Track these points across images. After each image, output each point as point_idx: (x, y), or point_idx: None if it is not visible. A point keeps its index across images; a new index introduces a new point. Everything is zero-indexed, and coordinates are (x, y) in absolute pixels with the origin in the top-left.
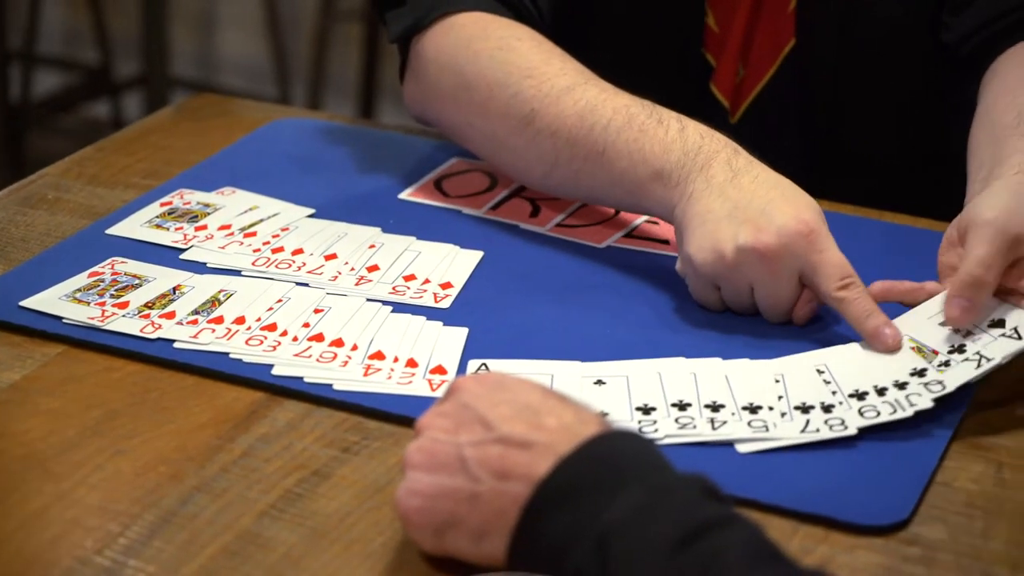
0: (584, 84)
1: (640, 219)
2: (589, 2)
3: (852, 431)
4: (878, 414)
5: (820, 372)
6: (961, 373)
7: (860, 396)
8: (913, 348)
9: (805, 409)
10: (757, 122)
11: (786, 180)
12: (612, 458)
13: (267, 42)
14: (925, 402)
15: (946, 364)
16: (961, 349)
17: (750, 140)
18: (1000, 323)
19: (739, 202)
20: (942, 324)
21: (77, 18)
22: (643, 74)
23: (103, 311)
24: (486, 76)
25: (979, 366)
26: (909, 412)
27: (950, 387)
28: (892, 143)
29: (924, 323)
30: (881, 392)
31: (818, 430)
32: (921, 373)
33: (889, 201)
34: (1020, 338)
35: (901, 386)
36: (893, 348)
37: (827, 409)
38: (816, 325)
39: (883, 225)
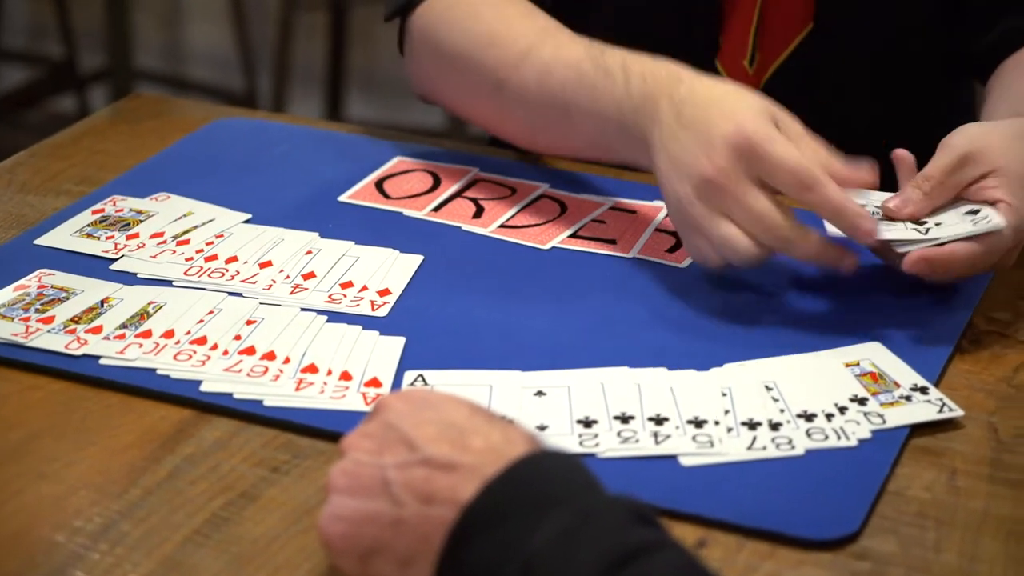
0: (540, 44)
1: (587, 218)
2: None
3: (799, 452)
4: (826, 438)
5: (768, 389)
6: (905, 415)
7: (808, 418)
8: (872, 374)
9: (752, 426)
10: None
11: (727, 87)
12: (539, 481)
13: (233, 33)
14: (864, 432)
15: (907, 399)
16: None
17: None
18: None
19: (683, 140)
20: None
21: (41, 12)
22: (651, 48)
23: (27, 327)
24: (456, 48)
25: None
26: (853, 442)
27: (889, 424)
28: (899, 134)
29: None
30: (829, 417)
31: (765, 448)
32: (863, 402)
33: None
34: None
35: (843, 410)
36: (871, 240)
37: (775, 427)
38: (763, 327)
39: None
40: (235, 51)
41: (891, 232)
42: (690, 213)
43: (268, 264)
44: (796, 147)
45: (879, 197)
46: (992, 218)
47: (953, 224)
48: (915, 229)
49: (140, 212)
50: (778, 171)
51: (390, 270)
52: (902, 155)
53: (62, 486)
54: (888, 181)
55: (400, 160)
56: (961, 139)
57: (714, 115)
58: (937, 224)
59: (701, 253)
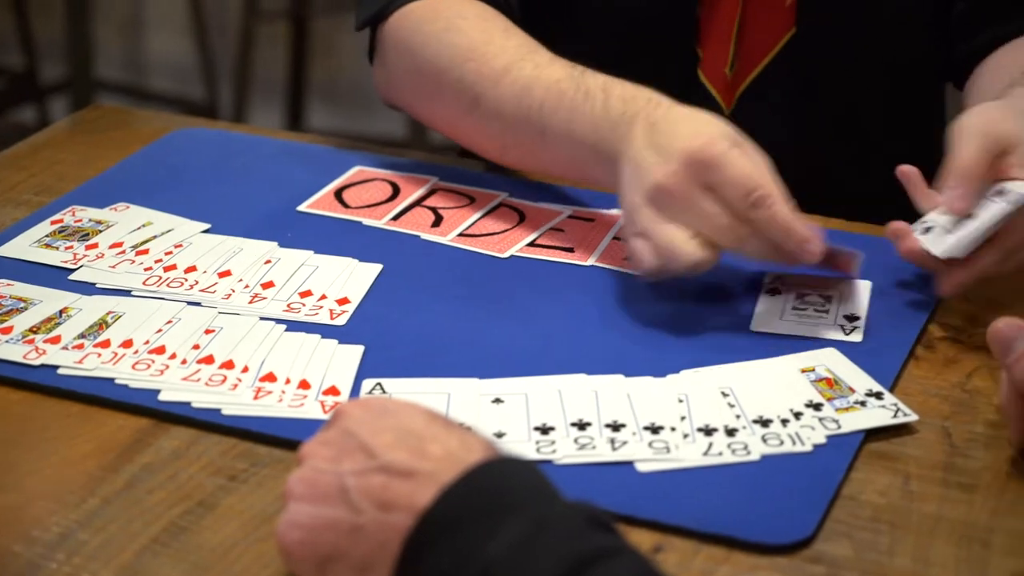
0: (520, 61)
1: (546, 226)
2: None
3: (755, 457)
4: (781, 443)
5: (725, 395)
6: (860, 420)
7: (764, 423)
8: (827, 379)
9: (708, 431)
10: (750, 112)
11: (701, 114)
12: (496, 487)
13: (193, 43)
14: (819, 437)
15: (861, 404)
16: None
17: (743, 130)
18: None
19: (647, 155)
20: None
21: (1, 22)
22: (631, 64)
23: None
24: (433, 61)
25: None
26: (808, 447)
27: (844, 428)
28: (883, 138)
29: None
30: (784, 423)
31: (721, 454)
32: (818, 407)
33: (878, 195)
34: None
35: (799, 416)
36: (816, 259)
37: (731, 433)
38: (720, 334)
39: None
40: (195, 61)
41: (940, 244)
42: (637, 218)
43: (227, 273)
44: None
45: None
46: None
47: (989, 209)
48: (956, 229)
49: (99, 222)
50: (729, 183)
51: (349, 279)
52: (908, 171)
53: (20, 496)
54: (878, 180)
55: (359, 170)
56: (976, 121)
57: (680, 132)
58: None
59: (640, 258)
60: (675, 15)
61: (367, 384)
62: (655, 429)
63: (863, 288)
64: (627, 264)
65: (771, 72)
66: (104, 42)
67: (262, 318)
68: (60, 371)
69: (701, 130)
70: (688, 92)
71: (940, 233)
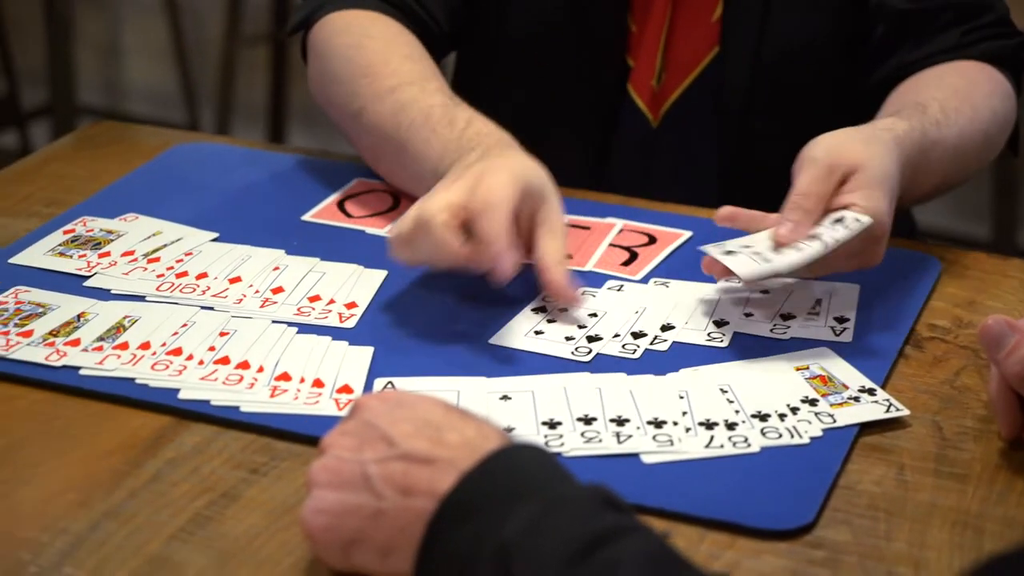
0: (408, 85)
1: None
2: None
3: (755, 449)
4: (779, 436)
5: (723, 391)
6: (854, 414)
7: (762, 418)
8: (821, 377)
9: (709, 425)
10: (675, 128)
11: (529, 162)
12: (512, 472)
13: (174, 68)
14: (816, 430)
15: (855, 399)
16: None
17: (669, 145)
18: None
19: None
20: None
21: None
22: (564, 75)
23: (7, 340)
24: (336, 72)
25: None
26: (805, 439)
27: (840, 423)
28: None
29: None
30: (782, 417)
31: (722, 446)
32: (813, 403)
33: None
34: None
35: (795, 411)
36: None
37: (731, 427)
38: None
39: None
40: (175, 86)
41: (747, 267)
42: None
43: (237, 280)
44: (542, 229)
45: (762, 236)
46: (860, 218)
47: (829, 233)
48: (797, 251)
49: (110, 232)
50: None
51: (356, 284)
52: (729, 214)
53: (47, 490)
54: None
55: (360, 181)
56: (818, 150)
57: (487, 166)
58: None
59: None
60: (607, 25)
61: (379, 383)
62: (658, 423)
63: (852, 291)
64: (624, 270)
65: (696, 89)
66: (84, 68)
67: (274, 321)
68: (82, 372)
69: (508, 168)
70: (618, 104)
71: (750, 256)
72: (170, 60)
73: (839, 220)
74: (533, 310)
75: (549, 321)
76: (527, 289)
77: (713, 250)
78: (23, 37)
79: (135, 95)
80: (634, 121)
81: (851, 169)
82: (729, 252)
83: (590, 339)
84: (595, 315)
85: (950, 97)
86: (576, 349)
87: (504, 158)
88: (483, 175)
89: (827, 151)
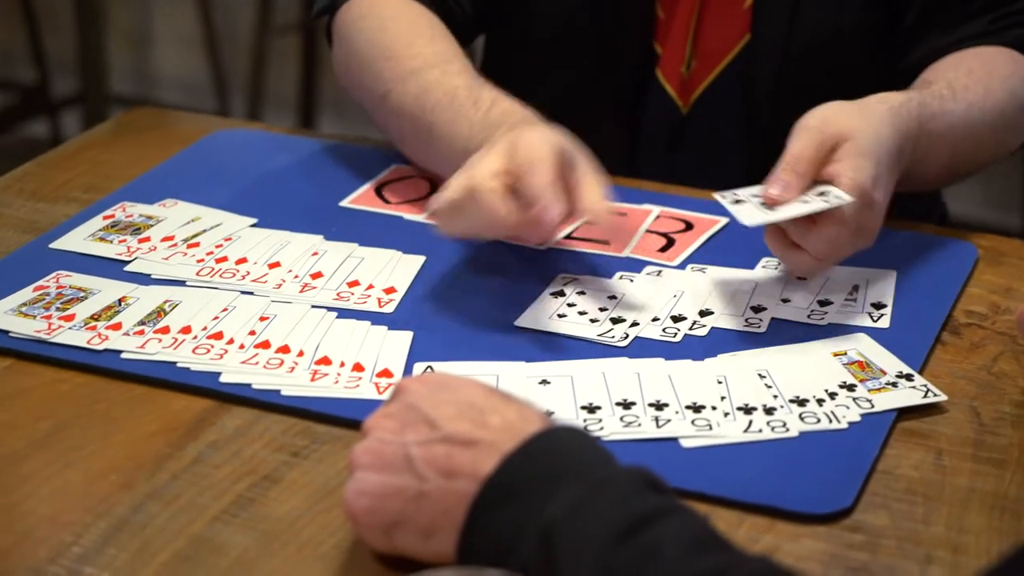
0: (431, 67)
1: (580, 221)
2: None
3: (793, 434)
4: (818, 421)
5: (762, 376)
6: (892, 399)
7: (801, 403)
8: (859, 363)
9: (748, 410)
10: (705, 115)
11: (555, 135)
12: (555, 454)
13: (204, 57)
14: (854, 415)
15: (893, 385)
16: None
17: (698, 132)
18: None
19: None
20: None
21: (12, 37)
22: (590, 62)
23: (49, 324)
24: (360, 55)
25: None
26: (844, 424)
27: (877, 408)
28: None
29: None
30: (820, 402)
31: (760, 431)
32: (851, 388)
33: None
34: None
35: (833, 396)
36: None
37: (769, 411)
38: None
39: None
40: (205, 75)
41: (751, 217)
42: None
43: (277, 265)
44: (582, 182)
45: (756, 189)
46: (842, 196)
47: (816, 201)
48: (803, 203)
49: (149, 217)
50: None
51: (394, 270)
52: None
53: (91, 472)
54: None
55: (397, 167)
56: (812, 119)
57: (519, 133)
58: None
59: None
60: (634, 11)
61: (418, 368)
62: (697, 408)
63: (888, 277)
64: (661, 256)
65: (726, 76)
66: (115, 57)
67: (313, 306)
68: (123, 356)
69: (537, 133)
70: (645, 89)
71: (754, 207)
72: (201, 49)
73: (823, 194)
74: (552, 294)
75: (570, 305)
76: (554, 276)
77: (723, 199)
78: (54, 26)
79: (165, 84)
80: (663, 107)
81: (842, 138)
82: (738, 201)
83: (617, 321)
84: (615, 297)
85: (961, 76)
86: (607, 332)
87: (533, 129)
88: (519, 138)
89: (820, 120)
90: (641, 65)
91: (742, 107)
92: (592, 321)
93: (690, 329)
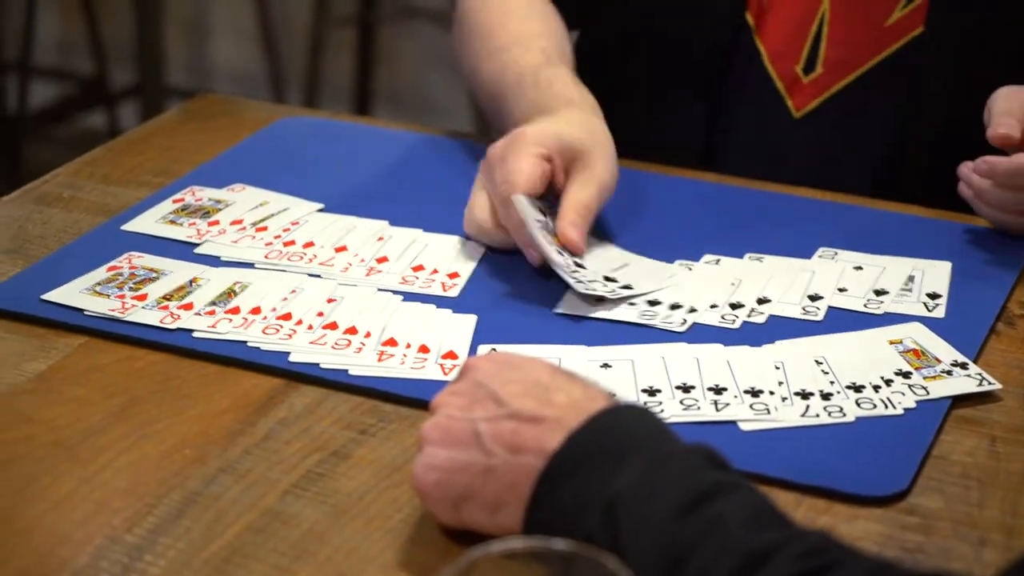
0: (515, 45)
1: None
2: None
3: (850, 419)
4: (874, 407)
5: (819, 363)
6: (946, 387)
7: (857, 389)
8: (915, 351)
9: (805, 395)
10: (825, 120)
11: (597, 125)
12: (619, 430)
13: (260, 49)
14: (909, 402)
15: (948, 373)
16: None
17: (808, 137)
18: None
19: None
20: None
21: (71, 28)
22: (677, 33)
23: (123, 303)
24: (463, 34)
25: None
26: (899, 410)
27: (932, 395)
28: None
29: None
30: (876, 389)
31: (818, 415)
32: (907, 376)
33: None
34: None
35: (889, 383)
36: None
37: (826, 397)
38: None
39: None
40: (261, 67)
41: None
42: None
43: (343, 249)
44: (573, 181)
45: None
46: None
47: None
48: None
49: (218, 201)
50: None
51: (458, 255)
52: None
53: (165, 446)
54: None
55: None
56: (1001, 93)
57: (513, 144)
58: None
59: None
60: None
61: (483, 350)
62: (755, 392)
63: (944, 268)
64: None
65: (863, 81)
66: (171, 48)
67: (379, 289)
68: (195, 334)
69: (514, 137)
70: (739, 66)
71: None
72: (257, 41)
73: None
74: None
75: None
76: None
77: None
78: (111, 17)
79: (221, 76)
80: (766, 99)
81: None
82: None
83: (675, 307)
84: (626, 285)
85: None
86: (666, 318)
87: (551, 121)
88: (505, 158)
89: (1007, 94)
90: (728, 36)
91: (882, 110)
92: (651, 304)
93: (748, 316)
